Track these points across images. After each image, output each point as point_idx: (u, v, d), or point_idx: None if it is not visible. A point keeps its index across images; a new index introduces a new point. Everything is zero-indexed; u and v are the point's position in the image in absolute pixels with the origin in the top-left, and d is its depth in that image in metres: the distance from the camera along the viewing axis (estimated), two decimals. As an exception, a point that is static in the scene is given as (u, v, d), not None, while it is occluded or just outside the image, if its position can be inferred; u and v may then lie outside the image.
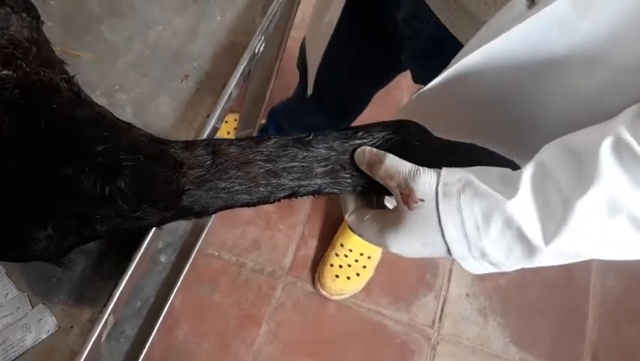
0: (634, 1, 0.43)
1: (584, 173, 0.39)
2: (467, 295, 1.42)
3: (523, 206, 0.40)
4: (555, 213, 0.39)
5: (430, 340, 1.36)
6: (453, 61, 0.52)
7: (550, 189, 0.40)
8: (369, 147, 0.48)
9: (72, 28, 0.60)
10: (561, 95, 0.53)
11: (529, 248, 0.41)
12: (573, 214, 0.38)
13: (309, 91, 0.90)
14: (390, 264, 1.41)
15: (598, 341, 1.39)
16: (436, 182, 0.43)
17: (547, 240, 0.40)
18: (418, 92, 0.57)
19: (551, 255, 0.41)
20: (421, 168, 0.45)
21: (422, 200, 0.43)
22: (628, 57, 0.47)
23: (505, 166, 0.51)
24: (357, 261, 1.37)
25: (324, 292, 1.35)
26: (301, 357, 1.31)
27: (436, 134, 0.51)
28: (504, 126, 0.59)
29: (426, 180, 0.44)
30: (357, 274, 1.36)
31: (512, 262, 0.43)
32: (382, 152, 0.47)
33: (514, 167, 0.52)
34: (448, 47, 0.55)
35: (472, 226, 0.42)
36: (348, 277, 1.35)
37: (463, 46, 0.53)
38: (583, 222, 0.39)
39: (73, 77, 0.48)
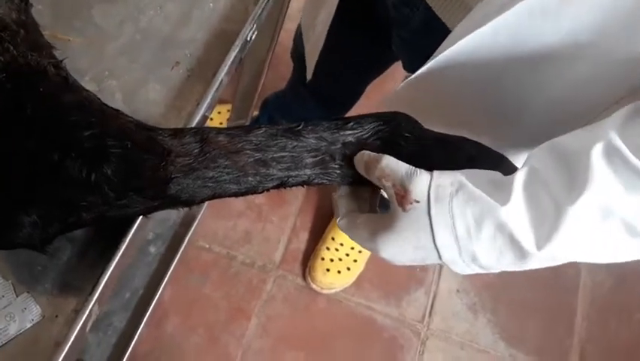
0: None
1: (575, 178, 0.39)
2: (457, 291, 1.42)
3: (515, 211, 0.40)
4: (547, 219, 0.39)
5: (420, 335, 1.36)
6: (439, 49, 0.52)
7: (542, 194, 0.40)
8: (366, 151, 0.48)
9: (62, 13, 0.59)
10: (546, 85, 0.53)
11: (521, 253, 0.41)
12: (565, 220, 0.38)
13: (309, 77, 0.89)
14: (381, 259, 1.40)
15: (586, 337, 1.40)
16: (427, 186, 0.43)
17: (540, 245, 0.40)
18: (405, 81, 0.57)
19: (543, 259, 0.41)
20: (418, 169, 0.44)
21: (417, 201, 0.43)
22: (612, 48, 0.47)
23: (496, 160, 0.51)
24: (348, 255, 1.36)
25: (314, 286, 1.35)
26: (291, 351, 1.31)
27: (425, 124, 0.51)
28: (490, 116, 0.59)
29: (422, 181, 0.43)
30: (348, 269, 1.36)
31: (502, 265, 0.43)
32: (379, 154, 0.46)
33: (506, 161, 0.51)
34: (437, 34, 0.54)
35: (464, 231, 0.42)
36: (339, 271, 1.35)
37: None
38: (575, 227, 0.39)
39: (61, 61, 0.47)
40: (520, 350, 1.37)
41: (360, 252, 1.37)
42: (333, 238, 1.38)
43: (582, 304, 1.44)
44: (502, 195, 0.41)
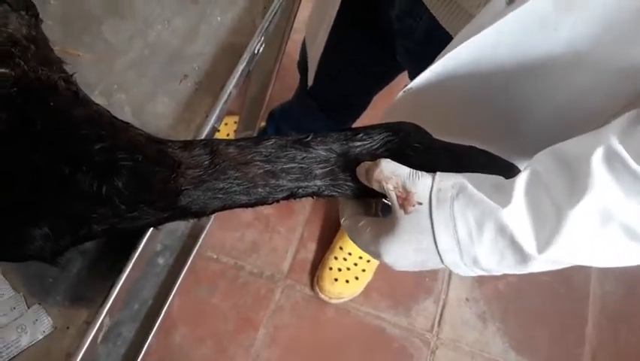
0: (614, 1, 0.43)
1: (576, 182, 0.39)
2: (467, 299, 1.41)
3: (516, 214, 0.40)
4: (548, 222, 0.39)
5: (429, 344, 1.35)
6: (438, 57, 0.52)
7: (543, 198, 0.40)
8: (366, 161, 0.48)
9: (72, 28, 0.60)
10: (547, 94, 0.53)
11: (522, 256, 0.41)
12: (566, 223, 0.39)
13: (310, 83, 0.90)
14: (389, 268, 1.40)
15: (597, 346, 1.38)
16: (429, 188, 0.43)
17: (541, 249, 0.40)
18: (403, 90, 0.57)
19: (544, 263, 0.41)
20: (419, 172, 0.44)
21: (420, 203, 0.43)
22: (610, 57, 0.48)
23: (505, 168, 0.51)
24: (356, 264, 1.36)
25: (322, 296, 1.35)
26: (299, 361, 1.30)
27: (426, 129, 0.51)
28: (491, 125, 0.59)
29: (424, 183, 0.43)
30: (356, 278, 1.35)
31: (504, 268, 0.43)
32: (377, 160, 0.46)
33: (516, 170, 0.52)
34: (441, 44, 0.55)
35: (465, 234, 0.42)
36: (347, 281, 1.34)
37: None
38: (575, 231, 0.39)
39: (71, 75, 0.48)
40: (531, 359, 1.36)
41: (368, 261, 1.37)
42: (341, 248, 1.38)
43: (592, 313, 1.43)
44: (504, 198, 0.41)
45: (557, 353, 1.37)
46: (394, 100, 0.60)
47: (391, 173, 0.44)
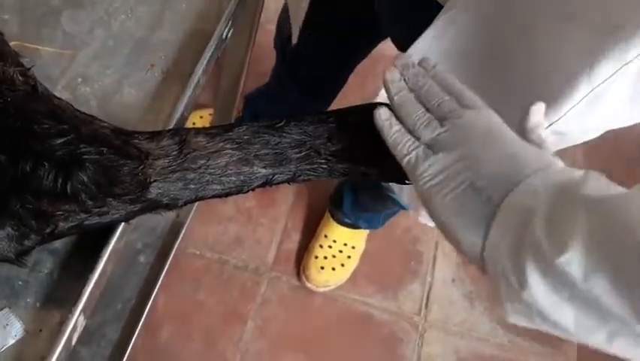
0: None
1: None
2: (453, 280, 1.42)
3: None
4: None
5: (418, 327, 1.35)
6: (434, 21, 0.52)
7: None
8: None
9: (29, 21, 0.57)
10: (538, 49, 0.52)
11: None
12: None
13: (294, 40, 0.87)
14: (375, 253, 1.40)
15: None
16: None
17: None
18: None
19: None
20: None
21: None
22: (598, 16, 0.47)
23: None
24: (341, 251, 1.36)
25: (309, 285, 1.34)
26: (289, 352, 1.30)
27: None
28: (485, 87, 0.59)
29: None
30: (342, 265, 1.35)
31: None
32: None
33: None
34: (425, 9, 0.54)
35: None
36: (333, 268, 1.34)
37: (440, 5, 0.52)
38: None
39: (29, 69, 0.46)
40: (519, 335, 1.37)
41: (353, 248, 1.37)
42: (325, 236, 1.37)
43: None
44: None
45: (545, 328, 1.39)
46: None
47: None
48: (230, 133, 0.47)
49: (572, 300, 0.33)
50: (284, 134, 0.48)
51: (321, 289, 1.35)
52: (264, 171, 0.47)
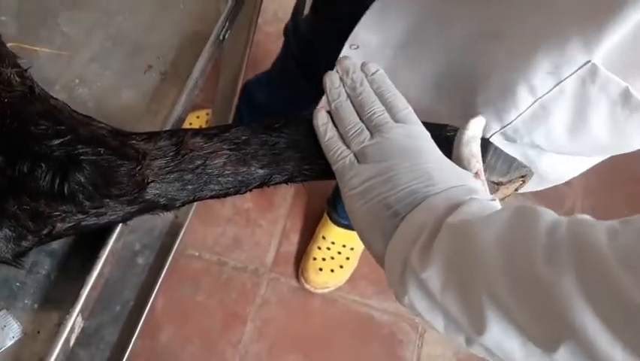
0: None
1: None
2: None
3: None
4: None
5: (418, 328, 1.35)
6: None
7: None
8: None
9: (27, 22, 0.57)
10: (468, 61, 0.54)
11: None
12: None
13: (306, 11, 0.87)
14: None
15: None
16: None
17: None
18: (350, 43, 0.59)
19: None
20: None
21: None
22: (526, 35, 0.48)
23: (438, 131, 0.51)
24: (339, 253, 1.35)
25: (308, 287, 1.34)
26: (289, 353, 1.30)
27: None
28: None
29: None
30: (341, 266, 1.35)
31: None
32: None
33: (447, 127, 0.51)
34: None
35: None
36: (332, 270, 1.34)
37: None
38: None
39: (26, 70, 0.46)
40: (518, 336, 1.37)
41: (352, 249, 1.36)
42: (324, 237, 1.37)
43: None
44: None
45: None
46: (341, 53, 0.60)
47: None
48: (228, 134, 0.47)
49: (437, 309, 0.38)
50: (281, 135, 0.48)
51: (320, 291, 1.35)
52: (261, 171, 0.47)
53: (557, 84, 0.48)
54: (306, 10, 0.87)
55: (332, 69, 0.47)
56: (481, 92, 0.54)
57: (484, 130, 0.50)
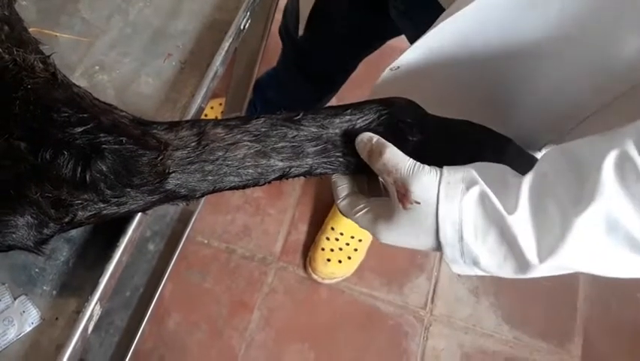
0: None
1: (584, 188, 0.38)
2: (459, 275, 1.41)
3: (522, 222, 0.39)
4: (553, 230, 0.38)
5: (423, 321, 1.36)
6: (426, 32, 0.51)
7: (549, 204, 0.39)
8: (370, 135, 0.46)
9: (48, 7, 0.57)
10: (536, 74, 0.53)
11: (523, 264, 0.40)
12: (571, 232, 0.37)
13: (300, 32, 0.87)
14: (381, 246, 1.38)
15: (589, 318, 1.40)
16: (437, 182, 0.41)
17: (542, 258, 0.39)
18: (391, 67, 0.55)
19: (544, 270, 0.40)
20: (421, 166, 0.43)
21: (418, 203, 0.42)
22: (599, 41, 0.46)
23: (502, 143, 0.50)
24: (348, 244, 1.35)
25: (315, 277, 1.34)
26: (294, 342, 1.30)
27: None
28: (475, 106, 0.58)
29: (426, 181, 0.42)
30: (349, 258, 1.35)
31: (503, 273, 0.42)
32: (384, 142, 0.45)
33: (513, 144, 0.50)
34: (432, 11, 0.53)
35: (471, 232, 0.41)
36: (340, 261, 1.34)
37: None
38: (580, 240, 0.38)
39: (48, 56, 0.45)
40: (524, 332, 1.37)
41: (360, 241, 1.37)
42: (332, 228, 1.37)
43: (583, 286, 1.44)
44: (511, 200, 0.40)
45: (550, 326, 1.38)
46: (380, 77, 0.58)
47: (393, 167, 0.43)
48: (248, 125, 0.47)
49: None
50: (301, 127, 0.48)
51: (327, 281, 1.35)
52: (280, 164, 0.47)
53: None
54: (301, 31, 0.86)
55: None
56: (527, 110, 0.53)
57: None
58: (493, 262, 0.41)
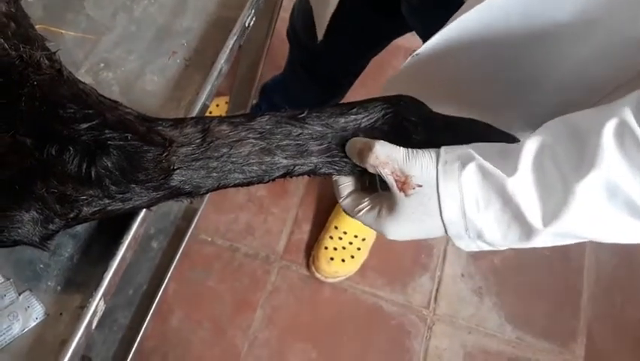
0: None
1: (585, 155, 0.38)
2: (462, 275, 1.41)
3: (522, 184, 0.40)
4: (555, 195, 0.39)
5: (426, 321, 1.36)
6: (448, 21, 0.51)
7: (550, 168, 0.39)
8: (356, 138, 0.46)
9: (53, 5, 0.57)
10: (553, 62, 0.53)
11: (528, 229, 0.40)
12: (573, 197, 0.38)
13: (320, 37, 0.86)
14: (384, 245, 1.40)
15: (593, 317, 1.39)
16: (435, 162, 0.42)
17: (546, 222, 0.39)
18: (413, 54, 0.55)
19: (549, 236, 0.40)
20: (415, 150, 0.43)
21: (420, 185, 0.42)
22: (619, 27, 0.47)
23: (505, 141, 0.50)
24: (351, 243, 1.36)
25: (318, 276, 1.34)
26: (298, 341, 1.30)
27: (432, 104, 0.50)
28: (498, 93, 0.58)
29: (423, 163, 0.42)
30: (352, 257, 1.35)
31: (508, 242, 0.42)
32: (370, 140, 0.45)
33: (515, 142, 0.50)
34: (446, 5, 0.53)
35: (472, 206, 0.41)
36: (343, 260, 1.34)
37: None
38: (582, 205, 0.38)
39: (54, 53, 0.46)
40: (527, 332, 1.36)
41: (363, 240, 1.37)
42: (336, 227, 1.37)
43: (587, 284, 1.43)
44: (510, 166, 0.40)
45: (553, 325, 1.38)
46: (401, 66, 0.58)
47: (386, 157, 0.43)
48: (253, 123, 0.47)
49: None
50: (305, 126, 0.48)
51: (331, 280, 1.35)
52: (285, 161, 0.47)
53: None
54: (320, 36, 0.86)
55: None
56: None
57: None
58: (498, 233, 0.41)
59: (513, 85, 0.56)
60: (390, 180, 0.43)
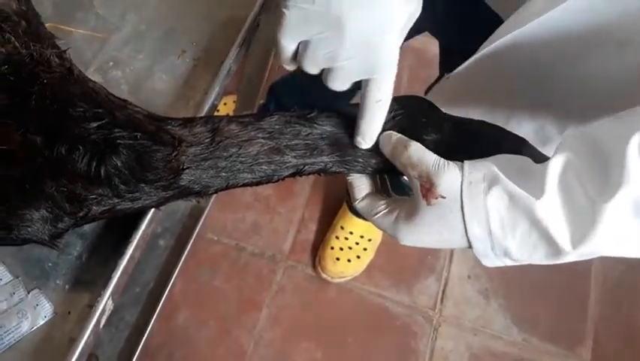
0: None
1: (611, 174, 0.38)
2: (469, 276, 1.41)
3: (550, 207, 0.39)
4: (583, 216, 0.38)
5: (432, 322, 1.35)
6: (486, 42, 0.51)
7: (576, 188, 0.39)
8: (391, 132, 0.46)
9: (63, 3, 0.57)
10: (591, 75, 0.52)
11: (555, 250, 0.40)
12: (601, 218, 0.38)
13: None
14: (391, 246, 1.39)
15: (599, 320, 1.39)
16: (460, 180, 0.41)
17: (575, 244, 0.39)
18: (447, 76, 0.55)
19: (575, 256, 0.40)
20: (446, 162, 0.43)
21: (443, 197, 0.41)
22: None
23: (517, 143, 0.50)
24: (357, 244, 1.35)
25: (324, 276, 1.34)
26: (303, 341, 1.30)
27: (468, 113, 0.49)
28: (535, 106, 0.58)
29: (450, 177, 0.42)
30: (358, 257, 1.35)
31: (535, 260, 0.42)
32: (408, 139, 0.45)
33: (527, 144, 0.50)
34: (472, 7, 0.53)
35: (498, 226, 0.41)
36: (349, 260, 1.34)
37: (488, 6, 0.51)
38: (610, 225, 0.38)
39: (64, 51, 0.46)
40: (534, 334, 1.36)
41: (369, 240, 1.36)
42: (342, 227, 1.37)
43: (594, 287, 1.42)
44: (536, 187, 0.40)
45: (560, 328, 1.37)
46: (440, 82, 0.58)
47: (418, 160, 0.43)
48: (262, 122, 0.46)
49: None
50: (314, 125, 0.47)
51: (336, 280, 1.35)
52: (294, 161, 0.47)
53: None
54: None
55: None
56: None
57: None
58: (524, 252, 0.41)
59: (551, 98, 0.56)
60: (416, 183, 0.43)
